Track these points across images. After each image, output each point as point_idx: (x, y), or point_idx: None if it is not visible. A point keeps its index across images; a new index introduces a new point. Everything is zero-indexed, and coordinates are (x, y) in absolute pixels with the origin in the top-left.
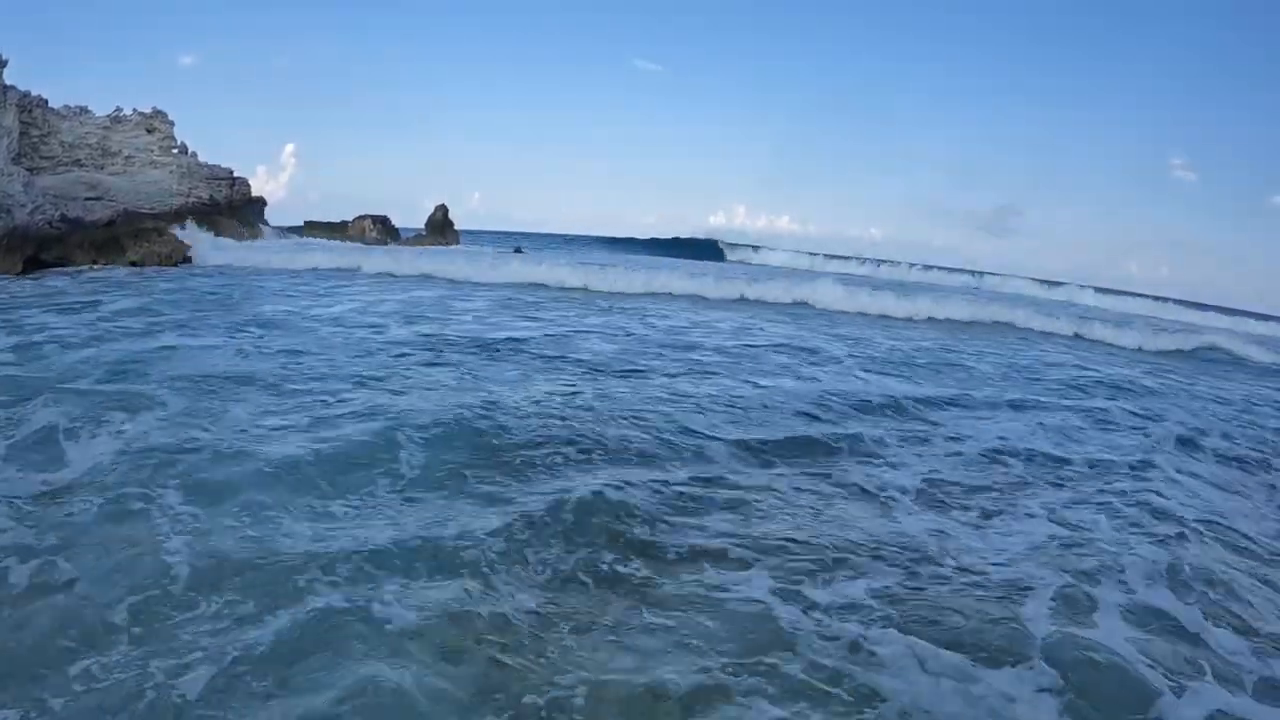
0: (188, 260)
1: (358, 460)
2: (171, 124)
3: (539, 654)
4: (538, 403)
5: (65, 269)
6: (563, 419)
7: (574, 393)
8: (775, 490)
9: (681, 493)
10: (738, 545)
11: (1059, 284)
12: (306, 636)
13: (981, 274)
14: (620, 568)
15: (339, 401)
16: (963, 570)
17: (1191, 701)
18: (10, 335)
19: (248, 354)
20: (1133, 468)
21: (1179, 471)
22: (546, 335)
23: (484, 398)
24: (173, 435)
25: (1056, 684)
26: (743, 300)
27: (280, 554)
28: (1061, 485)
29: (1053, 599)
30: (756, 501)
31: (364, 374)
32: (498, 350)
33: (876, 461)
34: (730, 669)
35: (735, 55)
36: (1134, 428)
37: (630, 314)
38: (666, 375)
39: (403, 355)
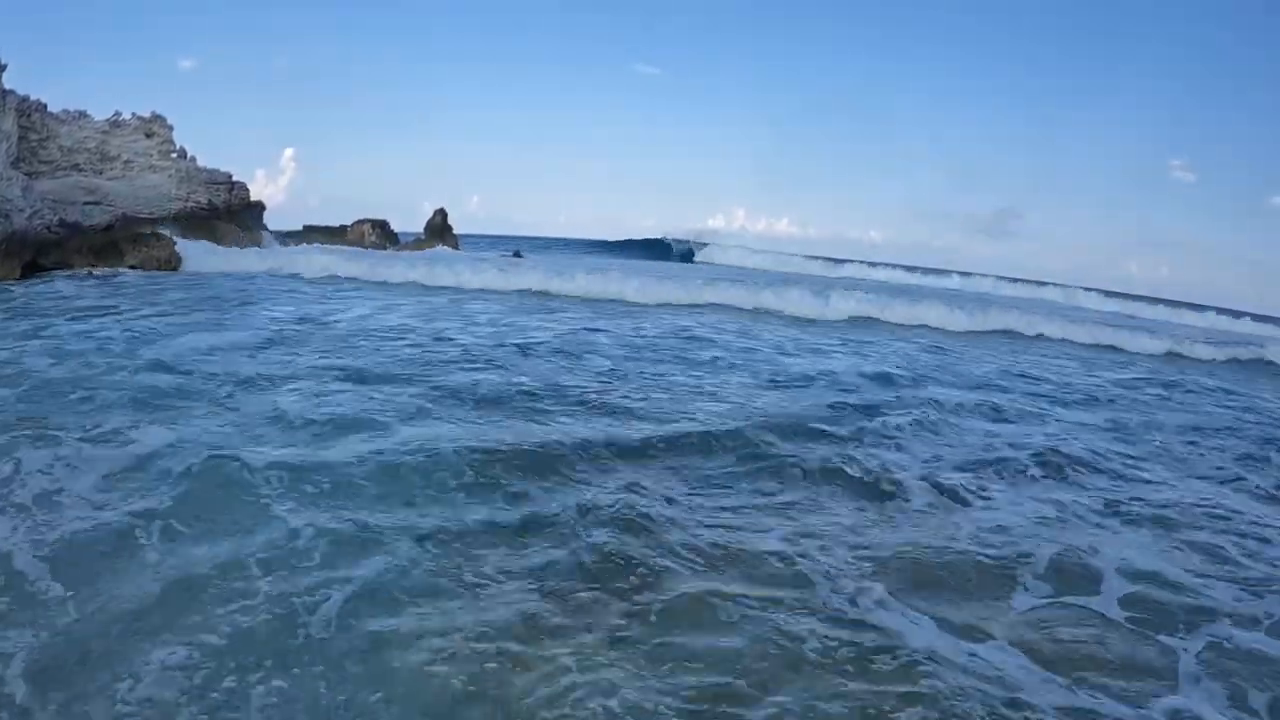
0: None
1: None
2: (170, 128)
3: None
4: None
5: (63, 273)
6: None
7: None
8: (792, 464)
9: (712, 471)
10: (759, 509)
11: (1043, 283)
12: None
13: (984, 276)
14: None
15: (387, 387)
16: (967, 539)
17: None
18: (46, 340)
19: (284, 355)
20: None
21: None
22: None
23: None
24: (242, 425)
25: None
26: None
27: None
28: (1052, 474)
29: (1048, 567)
30: (772, 474)
31: (399, 367)
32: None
33: (885, 445)
34: (758, 606)
35: (734, 57)
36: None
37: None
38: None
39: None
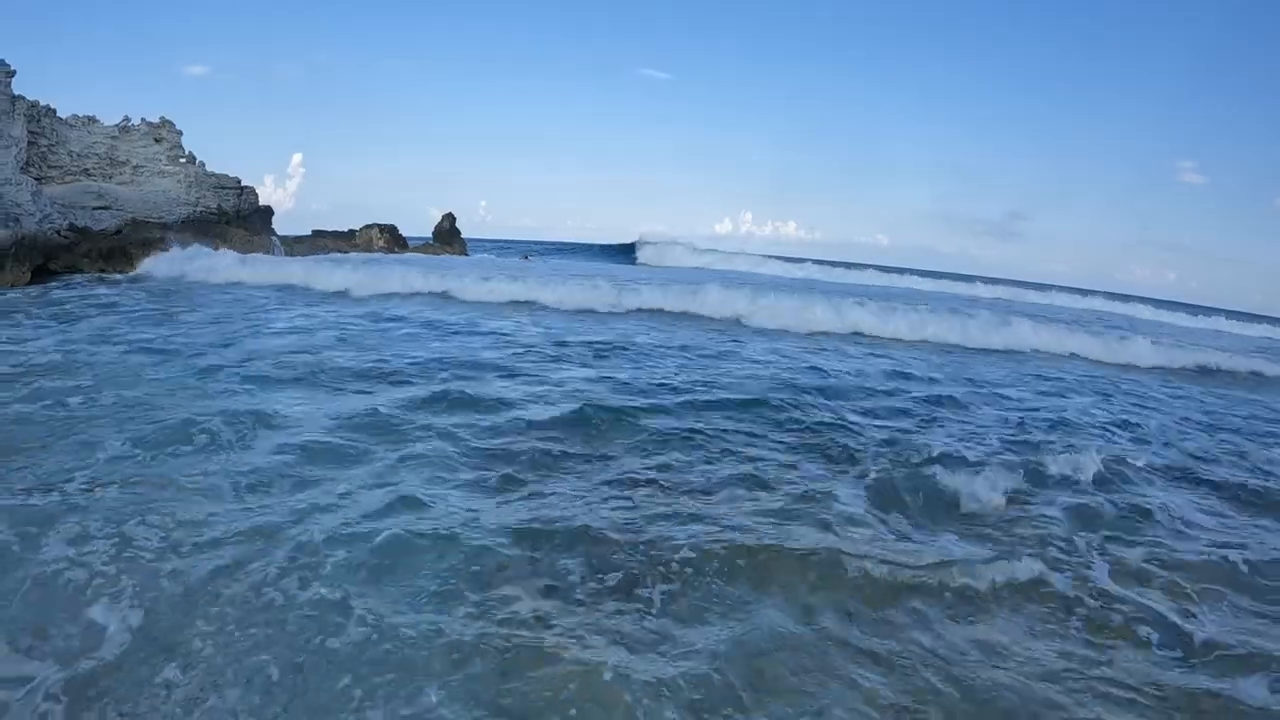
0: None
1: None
2: (179, 133)
3: None
4: None
5: (77, 277)
6: None
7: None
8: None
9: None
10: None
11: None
12: None
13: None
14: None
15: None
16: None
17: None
18: (113, 346)
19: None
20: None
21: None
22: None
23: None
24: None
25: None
26: None
27: None
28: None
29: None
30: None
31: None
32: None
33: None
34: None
35: (744, 61)
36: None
37: None
38: None
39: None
